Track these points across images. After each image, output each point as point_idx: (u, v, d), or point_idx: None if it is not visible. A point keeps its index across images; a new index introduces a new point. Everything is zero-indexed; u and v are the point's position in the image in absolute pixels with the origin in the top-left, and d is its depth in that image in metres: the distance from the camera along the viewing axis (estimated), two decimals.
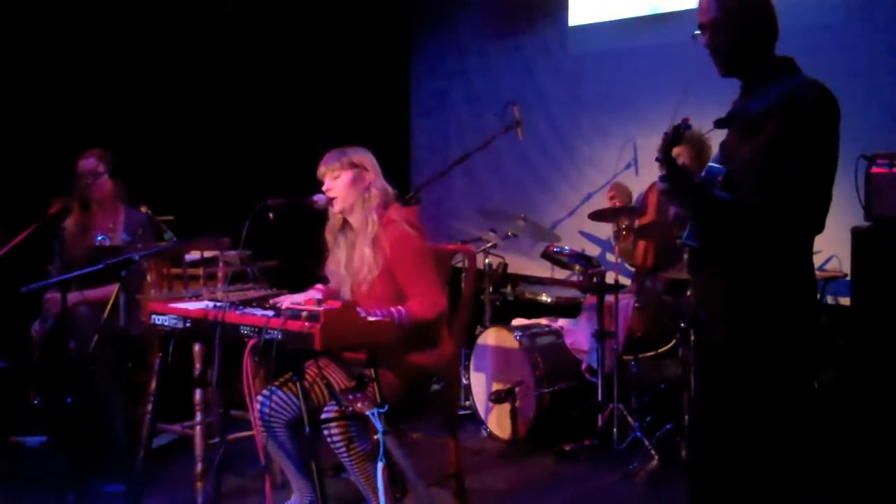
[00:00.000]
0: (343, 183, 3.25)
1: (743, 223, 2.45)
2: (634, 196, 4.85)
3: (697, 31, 2.57)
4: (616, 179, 5.24)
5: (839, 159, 2.50)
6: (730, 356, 2.53)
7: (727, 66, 2.55)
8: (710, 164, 2.56)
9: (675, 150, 2.49)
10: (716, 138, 2.74)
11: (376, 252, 3.21)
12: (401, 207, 3.38)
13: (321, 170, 3.29)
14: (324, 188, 3.28)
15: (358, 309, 2.87)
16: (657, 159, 2.44)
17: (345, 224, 3.35)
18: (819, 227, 2.50)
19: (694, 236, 2.56)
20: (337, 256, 3.36)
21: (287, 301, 3.01)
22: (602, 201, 5.19)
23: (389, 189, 3.34)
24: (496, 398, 4.49)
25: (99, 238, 4.28)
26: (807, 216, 2.47)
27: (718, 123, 2.59)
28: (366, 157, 3.31)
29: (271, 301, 3.07)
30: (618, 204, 4.64)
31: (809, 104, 2.41)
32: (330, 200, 3.27)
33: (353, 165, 3.26)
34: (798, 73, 2.52)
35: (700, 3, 2.56)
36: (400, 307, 3.11)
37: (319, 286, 3.39)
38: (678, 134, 2.41)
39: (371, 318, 2.91)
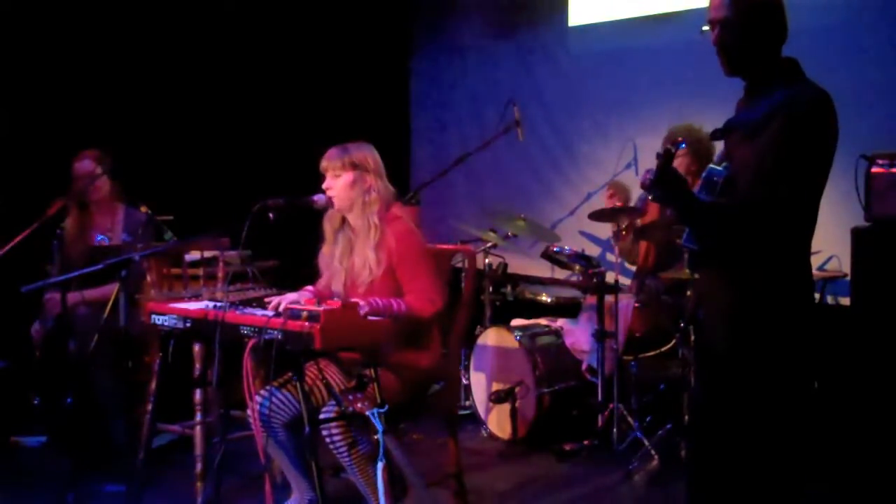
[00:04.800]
0: (343, 183, 3.24)
1: (730, 224, 2.45)
2: (633, 196, 4.84)
3: (706, 27, 2.55)
4: (616, 179, 5.23)
5: (839, 159, 2.50)
6: (728, 355, 2.53)
7: (733, 65, 2.54)
8: (711, 165, 2.57)
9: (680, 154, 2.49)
10: None
11: (380, 253, 3.21)
12: (403, 207, 3.38)
13: (324, 164, 3.29)
14: (324, 185, 3.28)
15: (359, 305, 2.89)
16: (650, 180, 2.43)
17: (344, 220, 3.35)
18: (811, 223, 2.50)
19: (693, 239, 2.57)
20: (333, 249, 3.36)
21: (286, 300, 3.00)
22: (602, 201, 5.18)
23: (391, 188, 3.34)
24: (496, 398, 4.49)
25: (98, 238, 4.29)
26: (797, 218, 2.47)
27: (715, 135, 2.60)
28: (368, 156, 3.30)
29: (266, 301, 3.06)
30: (618, 203, 4.63)
31: (806, 108, 2.42)
32: (330, 199, 3.27)
33: (354, 166, 3.25)
34: (801, 78, 2.51)
35: (712, 0, 2.55)
36: (399, 300, 3.12)
37: (309, 287, 3.38)
38: (670, 156, 2.41)
39: (371, 318, 2.92)
